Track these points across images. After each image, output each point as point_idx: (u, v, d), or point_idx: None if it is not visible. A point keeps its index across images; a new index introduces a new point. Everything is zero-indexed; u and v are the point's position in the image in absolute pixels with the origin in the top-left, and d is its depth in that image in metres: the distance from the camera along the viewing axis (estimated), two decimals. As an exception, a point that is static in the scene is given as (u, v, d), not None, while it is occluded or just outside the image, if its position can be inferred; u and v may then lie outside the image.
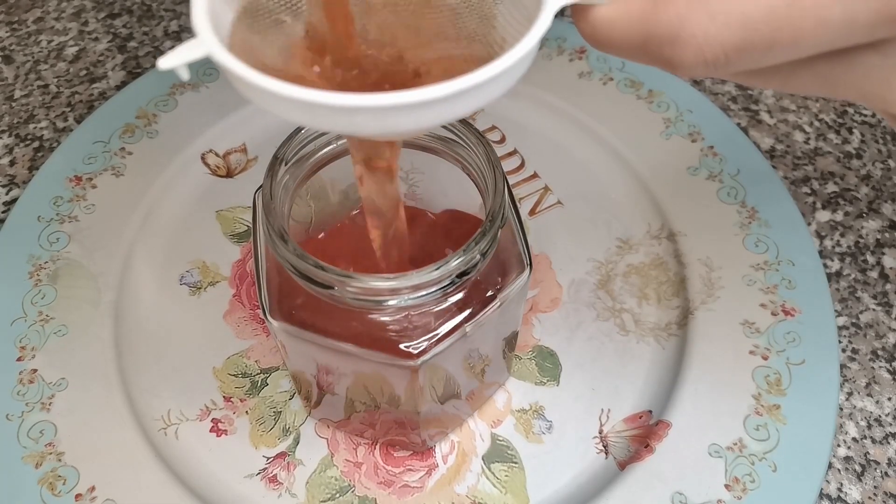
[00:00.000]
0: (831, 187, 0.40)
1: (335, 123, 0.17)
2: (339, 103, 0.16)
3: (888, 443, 0.32)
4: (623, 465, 0.31)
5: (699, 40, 0.18)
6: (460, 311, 0.25)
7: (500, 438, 0.32)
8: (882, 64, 0.19)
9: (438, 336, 0.25)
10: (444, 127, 0.27)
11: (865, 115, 0.43)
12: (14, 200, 0.39)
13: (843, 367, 0.34)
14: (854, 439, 0.32)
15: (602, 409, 0.33)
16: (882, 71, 0.19)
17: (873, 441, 0.32)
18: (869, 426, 0.33)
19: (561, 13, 0.47)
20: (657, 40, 0.18)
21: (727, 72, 0.19)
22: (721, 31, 0.17)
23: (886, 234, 0.39)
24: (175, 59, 0.17)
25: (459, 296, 0.25)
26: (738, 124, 0.42)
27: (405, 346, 0.24)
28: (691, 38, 0.18)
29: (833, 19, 0.17)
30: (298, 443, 0.32)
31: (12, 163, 0.41)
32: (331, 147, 0.28)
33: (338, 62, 0.21)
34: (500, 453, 0.32)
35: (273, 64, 0.20)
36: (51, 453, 0.31)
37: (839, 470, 0.32)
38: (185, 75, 0.18)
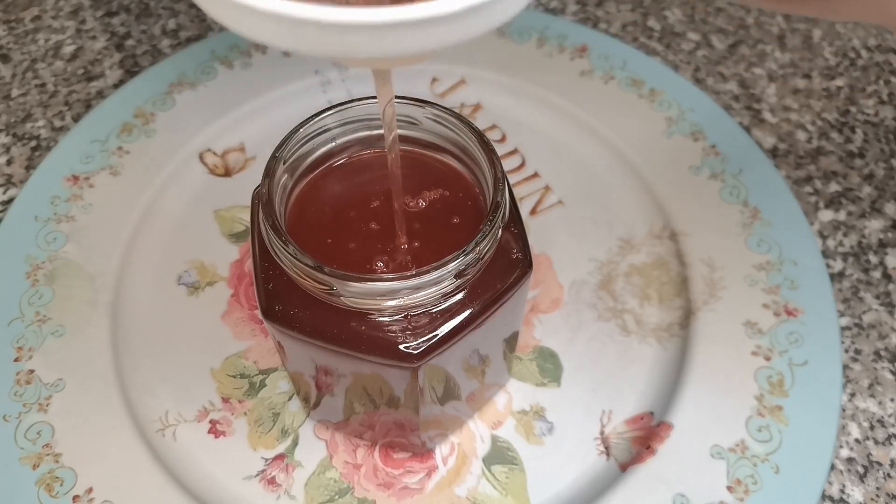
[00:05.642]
0: (834, 187, 0.40)
1: (324, 45, 0.15)
2: (330, 19, 0.14)
3: (891, 444, 0.32)
4: (624, 467, 0.31)
5: None
6: (460, 311, 0.25)
7: (501, 440, 0.32)
8: None
9: (438, 337, 0.24)
10: (443, 125, 0.27)
11: (868, 115, 0.43)
12: (11, 200, 0.39)
13: (845, 367, 0.34)
14: (857, 440, 0.32)
15: (603, 411, 0.33)
16: None
17: (876, 442, 0.32)
18: (871, 427, 0.33)
19: (562, 10, 0.47)
20: None
21: None
22: None
23: (889, 234, 0.38)
24: None
25: (459, 296, 0.25)
26: (741, 123, 0.42)
27: (405, 348, 0.24)
28: None
29: None
30: (297, 444, 0.32)
31: (9, 162, 0.41)
32: (330, 146, 0.27)
33: None
34: (500, 455, 0.32)
35: None
36: (48, 454, 0.31)
37: (841, 471, 0.31)
38: None
